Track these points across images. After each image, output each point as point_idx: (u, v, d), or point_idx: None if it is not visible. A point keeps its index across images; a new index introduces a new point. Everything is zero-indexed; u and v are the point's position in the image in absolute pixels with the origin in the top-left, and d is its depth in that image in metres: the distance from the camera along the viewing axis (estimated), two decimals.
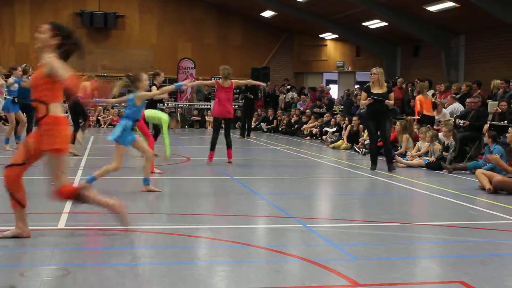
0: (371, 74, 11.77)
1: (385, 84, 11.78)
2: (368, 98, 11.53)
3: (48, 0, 28.15)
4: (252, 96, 20.91)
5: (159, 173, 10.26)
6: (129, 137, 8.11)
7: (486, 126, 12.92)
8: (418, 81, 18.98)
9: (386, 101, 11.49)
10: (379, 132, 11.82)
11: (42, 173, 10.58)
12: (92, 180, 8.09)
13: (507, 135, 10.12)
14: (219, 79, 12.35)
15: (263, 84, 14.37)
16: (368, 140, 15.53)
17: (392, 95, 11.78)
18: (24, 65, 14.63)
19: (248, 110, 21.04)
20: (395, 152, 13.12)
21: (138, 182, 8.97)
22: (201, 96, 26.81)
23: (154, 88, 12.01)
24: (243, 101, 21.33)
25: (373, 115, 11.70)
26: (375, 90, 11.57)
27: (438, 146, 12.55)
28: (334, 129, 18.60)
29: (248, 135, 20.72)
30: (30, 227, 6.01)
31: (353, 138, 16.79)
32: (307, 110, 22.51)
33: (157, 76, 12.36)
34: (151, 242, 5.68)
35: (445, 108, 14.96)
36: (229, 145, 12.33)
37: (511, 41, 18.89)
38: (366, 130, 16.55)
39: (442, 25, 20.99)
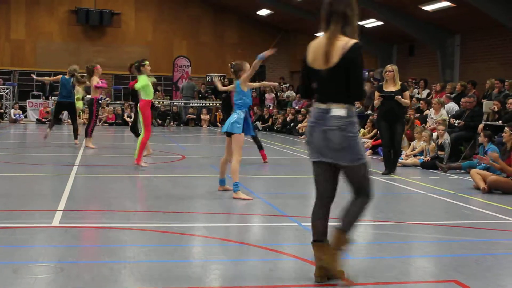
0: (385, 72, 11.01)
1: (400, 82, 11.03)
2: (378, 97, 10.86)
3: None
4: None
5: (145, 165, 10.28)
6: (249, 126, 8.07)
7: (481, 126, 12.94)
8: (413, 81, 19.00)
9: (397, 96, 10.68)
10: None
11: (40, 171, 10.57)
12: (237, 187, 7.89)
13: (503, 134, 10.12)
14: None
15: (275, 84, 13.93)
16: (366, 141, 15.59)
17: (407, 93, 11.02)
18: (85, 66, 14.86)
19: (227, 107, 21.21)
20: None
21: (130, 180, 8.93)
22: (190, 93, 26.55)
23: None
24: (222, 100, 21.62)
25: (385, 115, 10.96)
26: (388, 89, 10.87)
27: (433, 146, 12.56)
28: None
29: None
30: (24, 224, 6.01)
31: None
32: (302, 109, 22.51)
33: (142, 67, 12.43)
34: (145, 240, 5.67)
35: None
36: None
37: (506, 41, 18.93)
38: (361, 130, 16.58)
39: (437, 25, 21.02)
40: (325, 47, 4.21)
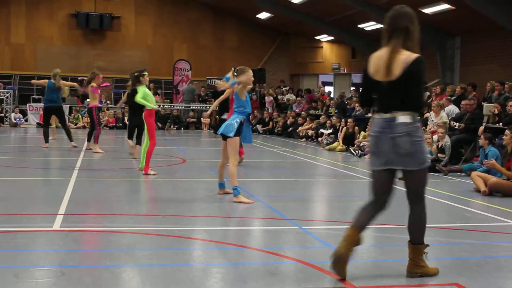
0: None
1: None
2: None
3: (43, 1, 28.12)
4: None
5: (153, 174, 10.22)
6: (247, 132, 8.04)
7: (481, 128, 12.93)
8: None
9: None
10: None
11: (40, 175, 10.57)
12: (237, 191, 7.86)
13: (504, 137, 10.12)
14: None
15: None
16: (364, 142, 15.60)
17: None
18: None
19: (221, 111, 21.64)
20: None
21: (130, 183, 8.89)
22: (190, 96, 26.68)
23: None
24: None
25: None
26: None
27: (434, 148, 12.55)
28: (330, 131, 18.60)
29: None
30: (25, 228, 6.00)
31: (349, 140, 16.79)
32: (303, 112, 22.52)
33: (142, 78, 12.53)
34: (146, 244, 5.66)
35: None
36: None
37: (506, 44, 18.94)
38: (361, 133, 16.60)
39: (437, 27, 21.03)
40: (387, 61, 4.47)
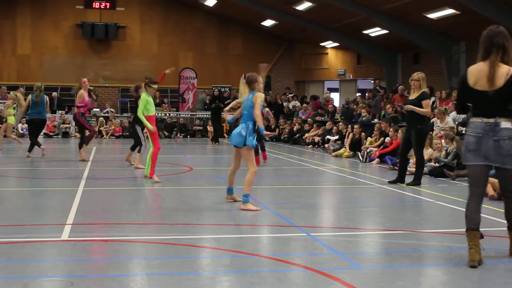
0: (411, 81, 10.84)
1: (422, 90, 10.69)
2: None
3: (49, 12, 28.29)
4: (222, 105, 21.45)
5: (157, 182, 10.22)
6: (252, 138, 7.94)
7: None
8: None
9: (406, 106, 10.58)
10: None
11: (48, 185, 10.60)
12: (246, 198, 7.84)
13: None
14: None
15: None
16: (371, 149, 15.57)
17: (425, 102, 10.53)
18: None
19: (217, 118, 22.28)
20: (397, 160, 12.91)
21: (138, 192, 8.90)
22: (201, 105, 26.88)
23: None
24: (212, 111, 22.68)
25: (406, 123, 11.15)
26: (411, 97, 10.79)
27: (443, 154, 12.50)
28: (336, 137, 18.58)
29: (217, 141, 21.58)
30: (33, 239, 6.02)
31: (356, 146, 16.77)
32: (309, 119, 22.51)
33: (140, 89, 12.62)
34: (154, 253, 5.67)
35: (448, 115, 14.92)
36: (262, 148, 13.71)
37: None
38: (368, 138, 16.57)
39: (442, 32, 21.02)
40: (490, 73, 5.22)
